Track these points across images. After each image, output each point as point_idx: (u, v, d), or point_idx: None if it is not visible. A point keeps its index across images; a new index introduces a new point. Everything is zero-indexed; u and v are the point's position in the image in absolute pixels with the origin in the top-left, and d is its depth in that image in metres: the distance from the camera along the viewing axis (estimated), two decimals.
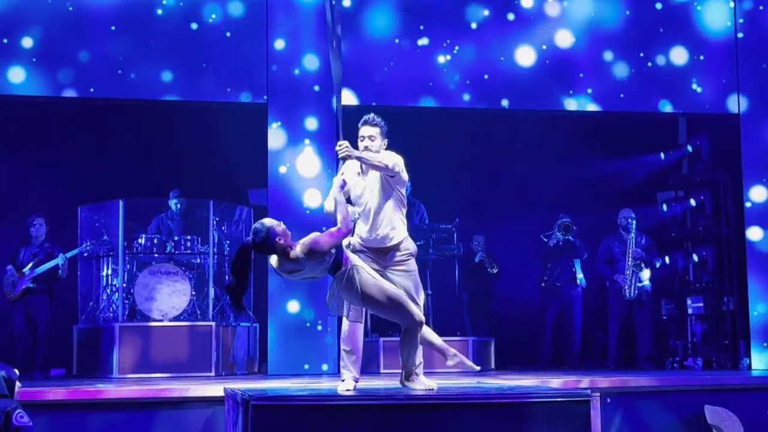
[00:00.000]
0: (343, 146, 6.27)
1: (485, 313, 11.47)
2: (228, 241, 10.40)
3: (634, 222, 10.49)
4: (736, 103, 10.61)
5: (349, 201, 6.42)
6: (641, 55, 10.59)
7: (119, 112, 10.65)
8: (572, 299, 10.90)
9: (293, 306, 9.74)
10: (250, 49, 9.98)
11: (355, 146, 6.41)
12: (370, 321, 10.50)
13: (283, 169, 9.85)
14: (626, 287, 10.33)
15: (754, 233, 10.43)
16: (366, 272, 6.06)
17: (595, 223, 11.34)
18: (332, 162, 9.81)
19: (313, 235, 6.01)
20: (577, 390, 6.31)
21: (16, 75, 9.54)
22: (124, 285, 9.90)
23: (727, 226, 10.79)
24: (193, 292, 9.89)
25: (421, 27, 10.29)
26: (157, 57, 9.78)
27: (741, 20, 10.64)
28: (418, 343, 6.26)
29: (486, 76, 10.35)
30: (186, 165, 10.97)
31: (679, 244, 11.50)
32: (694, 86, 10.66)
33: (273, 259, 6.01)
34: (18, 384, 5.93)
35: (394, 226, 6.40)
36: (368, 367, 9.87)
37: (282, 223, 6.00)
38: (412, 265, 6.45)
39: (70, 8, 9.64)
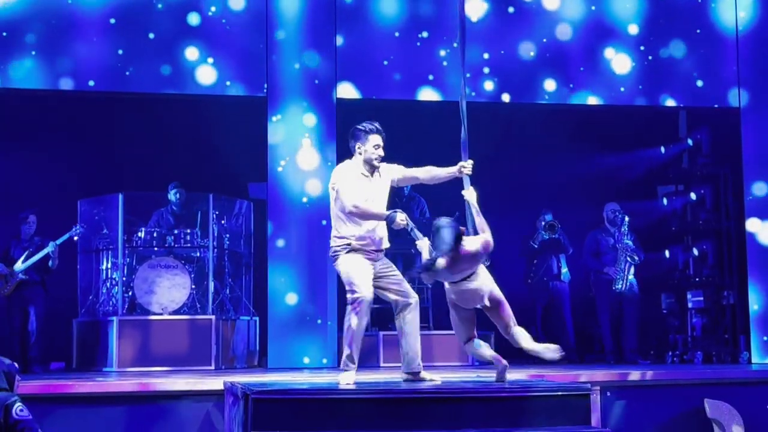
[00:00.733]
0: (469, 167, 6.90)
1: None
2: (228, 235, 10.39)
3: (627, 218, 10.47)
4: (737, 97, 10.59)
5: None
6: (642, 48, 10.58)
7: (118, 105, 10.63)
8: (560, 294, 10.94)
9: (293, 299, 9.73)
10: (250, 42, 9.96)
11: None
12: (370, 314, 10.50)
13: (282, 163, 9.84)
14: (618, 279, 10.33)
15: (753, 225, 10.43)
16: None
17: (594, 218, 11.33)
18: (331, 155, 9.81)
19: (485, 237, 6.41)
20: (577, 384, 6.31)
21: (15, 68, 9.52)
22: (124, 278, 9.89)
23: (728, 220, 10.78)
24: (193, 286, 9.88)
25: (421, 21, 10.26)
26: (157, 50, 9.76)
27: (742, 14, 10.62)
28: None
29: (486, 70, 10.33)
30: (185, 158, 10.95)
31: (680, 238, 11.50)
32: (695, 80, 10.64)
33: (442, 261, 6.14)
34: (18, 377, 5.92)
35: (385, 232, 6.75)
36: (368, 361, 9.87)
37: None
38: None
39: (70, 1, 9.62)
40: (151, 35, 9.75)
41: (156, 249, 10.06)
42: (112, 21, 9.68)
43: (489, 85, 10.36)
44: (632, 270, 10.41)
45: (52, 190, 10.71)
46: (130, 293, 9.85)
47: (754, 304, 10.29)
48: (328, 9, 10.03)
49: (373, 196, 6.64)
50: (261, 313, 10.20)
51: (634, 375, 7.94)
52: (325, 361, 9.66)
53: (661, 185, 11.93)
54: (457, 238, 6.11)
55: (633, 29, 10.60)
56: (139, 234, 10.07)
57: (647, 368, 9.04)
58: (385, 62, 10.17)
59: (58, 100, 10.29)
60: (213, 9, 9.91)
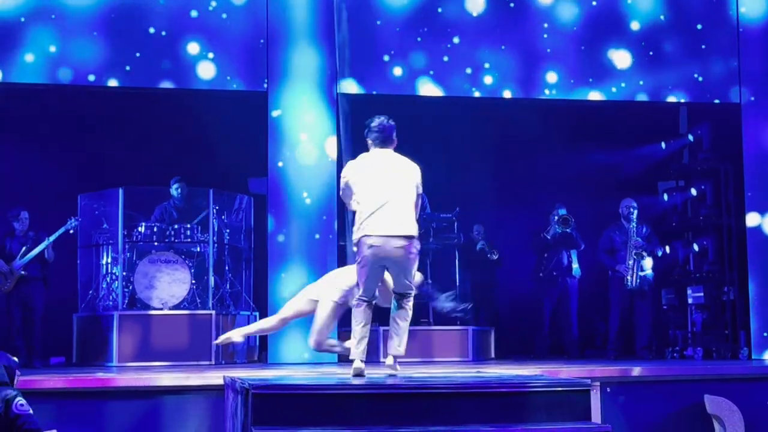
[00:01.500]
0: None
1: (486, 302, 11.46)
2: (228, 230, 10.39)
3: (635, 212, 10.45)
4: (738, 93, 10.58)
5: None
6: (642, 44, 10.57)
7: (118, 100, 10.62)
8: (569, 289, 10.89)
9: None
10: (251, 37, 9.95)
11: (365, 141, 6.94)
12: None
13: (283, 158, 9.83)
14: (628, 276, 10.29)
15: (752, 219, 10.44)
16: None
17: (596, 213, 11.33)
18: (331, 151, 9.80)
19: None
20: (578, 379, 6.30)
21: (14, 62, 9.51)
22: (124, 273, 9.89)
23: (728, 215, 10.77)
24: (193, 281, 9.88)
25: (422, 16, 10.25)
26: (157, 45, 9.75)
27: (743, 9, 10.61)
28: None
29: (487, 65, 10.32)
30: (186, 153, 10.94)
31: (680, 233, 11.49)
32: (696, 75, 10.63)
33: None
34: (18, 372, 5.93)
35: None
36: (369, 356, 9.82)
37: None
38: None
39: None
40: (152, 30, 9.75)
41: (156, 244, 10.05)
42: (113, 16, 9.67)
43: (491, 81, 10.34)
44: (646, 265, 10.34)
45: (52, 185, 10.71)
46: (131, 288, 9.85)
47: (754, 300, 10.29)
48: (328, 4, 10.01)
49: None
50: (261, 309, 10.19)
51: (634, 371, 7.93)
52: (325, 356, 9.65)
53: (662, 181, 11.92)
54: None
55: (634, 25, 10.59)
56: (140, 229, 10.06)
57: (647, 364, 9.04)
58: (386, 57, 10.16)
59: (58, 94, 10.28)
60: (213, 4, 9.90)
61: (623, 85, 10.54)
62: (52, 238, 9.62)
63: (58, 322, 10.01)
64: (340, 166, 9.80)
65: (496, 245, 11.51)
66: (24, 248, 9.61)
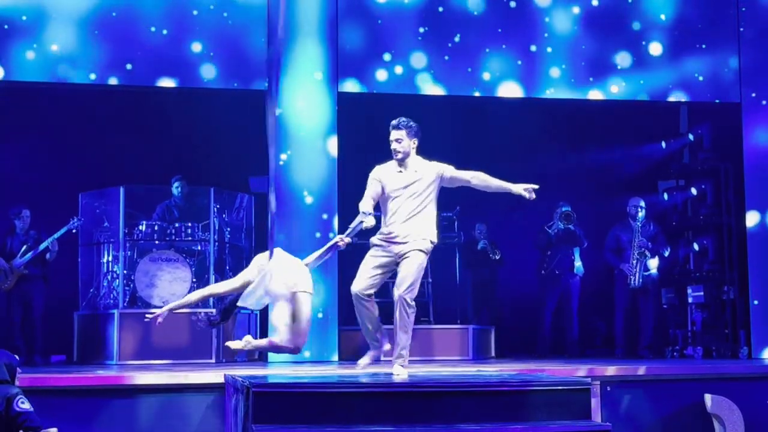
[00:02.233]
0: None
1: (487, 301, 11.47)
2: (228, 229, 10.40)
3: (643, 211, 10.46)
4: (738, 92, 10.59)
5: None
6: (643, 43, 10.57)
7: (119, 98, 10.62)
8: (570, 288, 10.88)
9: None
10: (252, 35, 9.96)
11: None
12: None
13: (283, 157, 9.84)
14: (631, 275, 10.30)
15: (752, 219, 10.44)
16: None
17: (597, 212, 11.34)
18: (332, 149, 9.81)
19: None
20: (578, 378, 6.31)
21: (15, 60, 9.52)
22: (125, 272, 9.90)
23: (728, 215, 10.78)
24: (194, 279, 9.89)
25: (423, 15, 10.26)
26: (158, 43, 9.75)
27: (743, 8, 10.62)
28: None
29: (488, 64, 10.33)
30: (187, 152, 10.95)
31: (680, 233, 11.49)
32: (696, 75, 10.63)
33: None
34: (19, 370, 5.93)
35: None
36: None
37: None
38: None
39: None
40: (153, 29, 9.75)
41: (157, 242, 10.06)
42: (114, 14, 9.67)
43: (492, 80, 10.34)
44: (652, 264, 10.35)
45: (53, 183, 10.72)
46: (131, 286, 9.86)
47: (754, 300, 10.30)
48: (330, 2, 10.02)
49: (400, 190, 6.88)
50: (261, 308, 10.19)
51: (635, 369, 7.94)
52: (325, 355, 9.67)
53: (662, 180, 11.92)
54: None
55: (635, 24, 10.59)
56: (141, 227, 10.07)
57: (647, 363, 9.05)
58: (387, 56, 10.17)
59: (59, 92, 10.28)
60: (215, 1, 9.90)
61: (624, 84, 10.54)
62: (54, 237, 9.63)
63: (58, 321, 10.03)
64: (340, 165, 9.82)
65: (497, 244, 11.52)
66: (25, 246, 9.62)
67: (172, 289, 9.76)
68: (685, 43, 10.64)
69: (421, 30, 10.26)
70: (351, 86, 10.05)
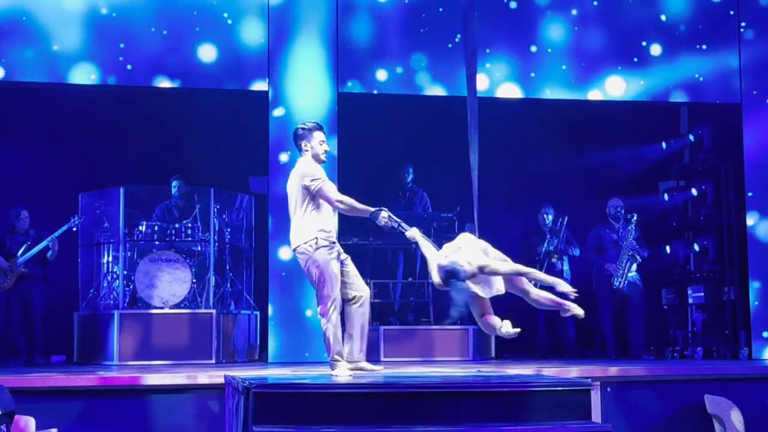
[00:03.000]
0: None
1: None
2: (229, 229, 10.40)
3: (635, 215, 10.48)
4: (739, 93, 10.58)
5: None
6: (643, 44, 10.57)
7: (119, 98, 10.62)
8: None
9: (293, 294, 9.73)
10: (253, 35, 9.95)
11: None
12: (371, 309, 10.50)
13: (284, 157, 9.83)
14: (617, 276, 10.33)
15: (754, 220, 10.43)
16: None
17: (595, 213, 11.33)
18: (333, 150, 9.79)
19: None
20: (578, 379, 6.31)
21: (15, 61, 9.51)
22: (125, 272, 9.90)
23: (728, 215, 10.78)
24: (194, 280, 9.89)
25: (423, 15, 10.25)
26: (159, 43, 9.75)
27: (743, 8, 10.62)
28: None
29: (488, 65, 10.32)
30: (187, 152, 10.95)
31: (680, 233, 11.49)
32: (697, 75, 10.63)
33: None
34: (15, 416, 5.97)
35: None
36: (369, 356, 9.83)
37: None
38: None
39: None
40: (153, 29, 9.74)
41: (157, 243, 10.06)
42: (114, 14, 9.67)
43: (491, 80, 10.34)
44: (634, 267, 10.41)
45: (53, 184, 10.72)
46: (131, 287, 9.86)
47: (754, 300, 10.30)
48: (331, 3, 10.01)
49: None
50: (262, 308, 10.20)
51: (635, 370, 7.95)
52: (325, 355, 9.65)
53: (662, 181, 11.92)
54: (451, 275, 6.31)
55: (635, 25, 10.58)
56: (141, 228, 10.07)
57: (647, 364, 9.05)
58: (387, 56, 10.16)
59: (59, 93, 10.28)
60: (215, 2, 9.89)
61: (624, 85, 10.54)
62: (54, 235, 9.64)
63: (58, 321, 10.03)
64: (341, 165, 9.82)
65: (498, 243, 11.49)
66: (24, 246, 9.63)
67: (172, 289, 9.76)
68: (685, 43, 10.63)
69: (422, 30, 10.26)
70: (352, 86, 10.04)
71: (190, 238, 10.13)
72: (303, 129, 7.15)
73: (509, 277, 6.55)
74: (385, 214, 6.95)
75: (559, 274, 10.89)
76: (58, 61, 9.57)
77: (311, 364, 9.34)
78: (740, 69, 10.58)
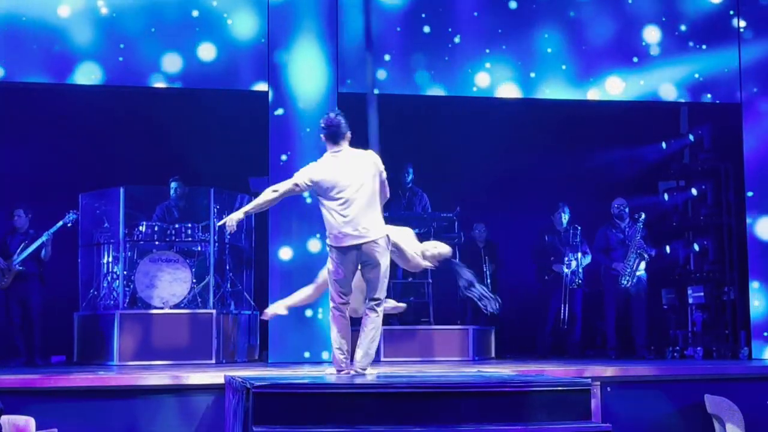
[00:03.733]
0: None
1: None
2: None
3: (643, 214, 10.47)
4: (739, 93, 10.58)
5: None
6: (643, 44, 10.57)
7: (119, 98, 10.62)
8: (575, 292, 10.86)
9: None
10: (253, 36, 9.95)
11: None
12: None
13: (284, 157, 9.83)
14: (626, 275, 10.32)
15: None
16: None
17: (596, 213, 11.34)
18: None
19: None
20: (578, 379, 6.31)
21: (16, 61, 9.50)
22: (125, 272, 9.90)
23: (728, 215, 10.78)
24: (194, 280, 9.89)
25: (423, 15, 10.25)
26: (159, 43, 9.75)
27: (743, 8, 10.62)
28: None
29: (488, 65, 10.32)
30: (187, 152, 10.95)
31: (680, 233, 11.50)
32: (697, 75, 10.63)
33: None
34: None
35: None
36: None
37: None
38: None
39: None
40: (153, 29, 9.74)
41: (157, 243, 10.06)
42: (114, 15, 9.67)
43: (488, 81, 10.33)
44: (642, 266, 10.39)
45: (53, 184, 10.73)
46: (131, 287, 9.86)
47: (754, 300, 10.30)
48: (331, 3, 10.01)
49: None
50: (262, 308, 10.19)
51: (635, 370, 7.94)
52: (325, 355, 9.66)
53: (663, 181, 11.93)
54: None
55: (635, 25, 10.58)
56: (141, 228, 10.07)
57: (648, 364, 9.05)
58: (387, 56, 10.16)
59: (59, 93, 10.28)
60: (215, 2, 9.90)
61: (624, 85, 10.54)
62: (49, 232, 9.63)
63: (59, 321, 10.02)
64: None
65: (498, 244, 11.51)
66: (22, 245, 9.64)
67: (172, 289, 9.77)
68: (685, 43, 10.63)
69: (422, 30, 10.25)
70: (351, 87, 10.04)
71: (190, 239, 10.13)
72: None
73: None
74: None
75: (573, 273, 10.87)
76: (59, 61, 9.57)
77: (311, 364, 9.34)
78: (740, 69, 10.58)
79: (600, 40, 10.54)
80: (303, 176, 6.84)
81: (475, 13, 10.37)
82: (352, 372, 6.78)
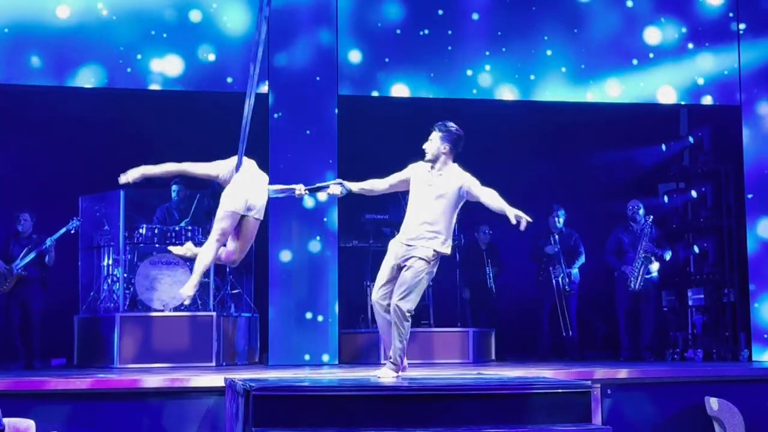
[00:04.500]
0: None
1: (485, 303, 11.45)
2: None
3: (651, 217, 10.47)
4: (738, 95, 10.59)
5: None
6: (643, 45, 10.57)
7: (119, 101, 10.62)
8: (567, 293, 10.89)
9: (294, 296, 9.74)
10: (252, 38, 9.95)
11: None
12: (371, 312, 10.51)
13: (284, 160, 9.83)
14: (633, 278, 10.32)
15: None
16: None
17: (596, 215, 11.35)
18: (332, 153, 9.81)
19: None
20: (578, 381, 6.31)
21: (17, 65, 9.51)
22: (125, 275, 9.90)
23: (728, 217, 10.78)
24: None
25: (423, 17, 10.26)
26: (158, 46, 9.75)
27: (742, 10, 10.63)
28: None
29: (487, 67, 10.33)
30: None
31: (680, 235, 11.50)
32: (697, 77, 10.63)
33: None
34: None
35: None
36: (369, 358, 9.90)
37: None
38: None
39: None
40: (153, 32, 9.75)
41: (157, 246, 10.06)
42: (114, 18, 9.67)
43: (489, 83, 10.34)
44: (653, 268, 10.37)
45: (53, 187, 10.72)
46: (131, 290, 9.86)
47: (754, 302, 10.30)
48: (329, 7, 10.02)
49: (422, 189, 6.89)
50: (262, 310, 10.20)
51: (635, 372, 7.94)
52: (325, 357, 9.67)
53: (662, 183, 11.93)
54: None
55: (635, 27, 10.59)
56: (141, 230, 10.07)
57: (648, 366, 9.05)
58: (387, 59, 10.17)
59: (59, 96, 10.27)
60: (215, 5, 9.90)
61: (623, 87, 10.54)
62: (53, 238, 9.64)
63: (59, 324, 10.02)
64: (340, 168, 9.82)
65: (499, 246, 11.51)
66: (25, 249, 9.64)
67: (172, 292, 9.75)
68: (684, 45, 10.64)
69: (421, 33, 10.26)
70: (351, 90, 10.04)
71: (190, 241, 10.12)
72: (459, 134, 6.91)
73: None
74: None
75: (567, 275, 10.89)
76: (59, 64, 9.57)
77: (312, 366, 9.35)
78: (740, 71, 10.59)
79: (599, 42, 10.55)
80: None
81: (475, 16, 10.37)
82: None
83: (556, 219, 10.92)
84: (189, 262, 9.95)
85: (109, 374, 8.00)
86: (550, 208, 10.94)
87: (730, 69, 10.61)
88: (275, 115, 9.91)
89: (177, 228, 10.12)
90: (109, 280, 10.16)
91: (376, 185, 6.99)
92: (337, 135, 9.90)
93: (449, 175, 6.78)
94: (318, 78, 9.95)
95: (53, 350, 10.12)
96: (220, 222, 6.70)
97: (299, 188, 6.97)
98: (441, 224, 6.66)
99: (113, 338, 9.38)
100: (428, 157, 6.82)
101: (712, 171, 10.99)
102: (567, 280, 10.69)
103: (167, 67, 9.77)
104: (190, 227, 10.15)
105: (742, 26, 10.62)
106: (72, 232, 9.95)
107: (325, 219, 9.86)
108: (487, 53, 10.34)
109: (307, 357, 9.62)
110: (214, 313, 9.64)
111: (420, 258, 6.59)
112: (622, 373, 7.87)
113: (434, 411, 5.55)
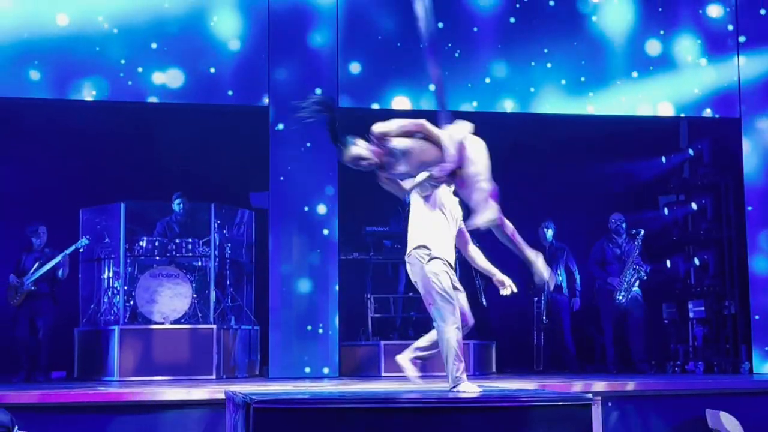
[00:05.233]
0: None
1: (485, 315, 11.43)
2: (229, 244, 10.41)
3: (642, 231, 10.49)
4: (738, 107, 10.61)
5: None
6: (643, 57, 10.60)
7: (120, 114, 10.64)
8: (559, 305, 10.91)
9: (294, 309, 9.74)
10: (253, 51, 9.98)
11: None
12: (371, 324, 10.51)
13: (284, 172, 9.85)
14: (621, 290, 10.34)
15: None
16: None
17: (595, 227, 11.34)
18: (332, 165, 9.82)
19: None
20: (579, 394, 6.31)
21: (19, 78, 9.53)
22: (126, 288, 9.90)
23: (729, 229, 10.79)
24: (195, 295, 9.89)
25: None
26: (160, 59, 9.78)
27: (742, 23, 10.65)
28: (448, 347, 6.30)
29: (487, 80, 10.35)
30: (188, 168, 10.96)
31: (681, 247, 11.50)
32: (696, 90, 10.65)
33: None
34: (16, 428, 5.94)
35: None
36: (369, 371, 9.89)
37: None
38: None
39: (72, 9, 9.64)
40: (154, 45, 9.77)
41: (158, 258, 10.07)
42: (115, 30, 9.70)
43: (492, 94, 10.36)
44: (637, 282, 10.42)
45: (55, 200, 10.74)
46: (132, 302, 9.86)
47: (755, 314, 10.29)
48: (330, 20, 10.05)
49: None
50: (262, 323, 10.20)
51: (636, 385, 7.93)
52: (326, 370, 9.67)
53: (663, 195, 11.94)
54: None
55: (634, 38, 10.62)
56: (141, 243, 10.08)
57: (648, 378, 9.04)
58: (387, 72, 10.19)
59: (61, 109, 10.30)
60: (215, 19, 9.93)
61: (623, 99, 10.56)
62: (65, 253, 9.66)
63: (59, 337, 10.01)
64: (341, 180, 9.83)
65: (494, 259, 11.49)
66: (37, 263, 9.65)
67: (172, 304, 9.76)
68: (684, 57, 10.67)
69: (421, 46, 10.25)
70: (350, 102, 10.06)
71: (190, 254, 10.14)
72: None
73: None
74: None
75: (557, 288, 10.90)
76: (60, 77, 9.60)
77: (312, 379, 9.34)
78: (739, 83, 10.61)
79: (599, 55, 10.57)
80: None
81: (475, 29, 10.40)
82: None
83: (545, 231, 10.94)
84: (190, 275, 9.97)
85: (110, 387, 8.00)
86: (540, 221, 10.97)
87: (730, 81, 10.64)
88: (276, 128, 9.92)
89: (177, 241, 10.12)
90: (110, 293, 10.16)
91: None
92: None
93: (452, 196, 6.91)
94: (318, 90, 9.97)
95: (54, 363, 10.10)
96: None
97: None
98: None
99: (113, 351, 9.38)
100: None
101: (712, 183, 11.00)
102: (545, 311, 10.72)
103: (168, 79, 9.78)
104: (190, 240, 10.15)
105: (742, 39, 10.65)
106: (81, 250, 9.99)
107: (325, 231, 9.87)
108: (487, 66, 10.35)
109: (307, 370, 9.62)
110: (214, 326, 9.64)
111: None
112: (623, 386, 7.86)
113: (434, 423, 5.54)
